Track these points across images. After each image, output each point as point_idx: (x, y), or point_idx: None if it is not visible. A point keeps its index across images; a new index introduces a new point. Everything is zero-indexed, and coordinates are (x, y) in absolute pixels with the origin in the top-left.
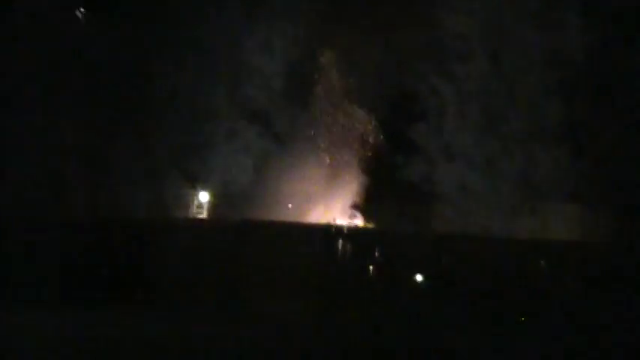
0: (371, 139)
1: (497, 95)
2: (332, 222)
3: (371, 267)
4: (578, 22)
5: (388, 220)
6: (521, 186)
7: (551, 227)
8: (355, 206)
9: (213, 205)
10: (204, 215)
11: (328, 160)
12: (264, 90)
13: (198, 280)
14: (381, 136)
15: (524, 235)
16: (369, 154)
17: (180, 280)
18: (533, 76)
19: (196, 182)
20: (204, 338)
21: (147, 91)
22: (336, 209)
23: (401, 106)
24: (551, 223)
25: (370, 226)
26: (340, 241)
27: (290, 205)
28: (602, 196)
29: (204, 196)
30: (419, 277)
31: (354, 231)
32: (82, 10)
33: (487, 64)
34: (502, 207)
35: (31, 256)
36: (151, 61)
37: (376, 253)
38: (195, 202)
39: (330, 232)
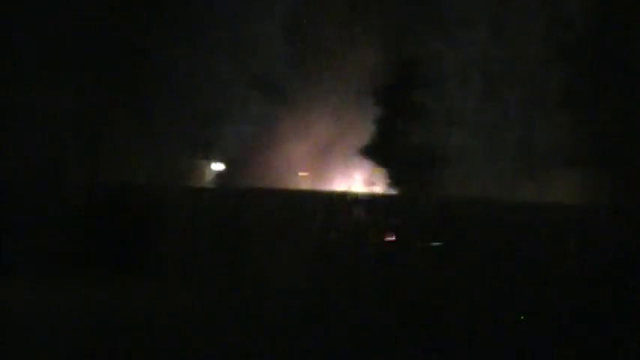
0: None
1: (500, 61)
2: (348, 189)
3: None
4: None
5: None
6: (521, 151)
7: (551, 192)
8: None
9: (226, 175)
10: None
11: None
12: (269, 55)
13: (211, 249)
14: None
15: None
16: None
17: (193, 249)
18: (535, 41)
19: (209, 151)
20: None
21: (153, 63)
22: (349, 175)
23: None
24: (551, 188)
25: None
26: (356, 209)
27: (302, 174)
28: (602, 160)
29: (217, 166)
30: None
31: (371, 198)
32: None
33: (488, 29)
34: (503, 172)
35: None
36: (156, 33)
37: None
38: (208, 172)
39: (344, 199)
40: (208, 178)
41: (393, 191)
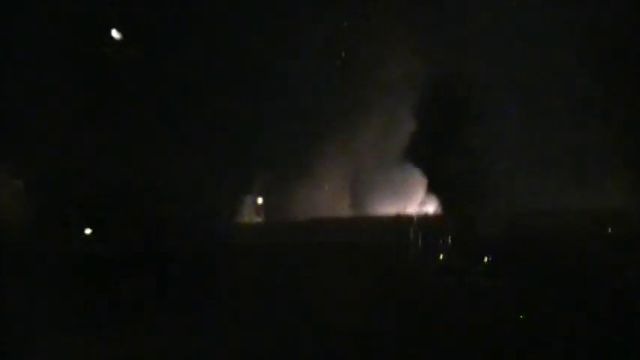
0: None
1: (535, 75)
2: (401, 212)
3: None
4: None
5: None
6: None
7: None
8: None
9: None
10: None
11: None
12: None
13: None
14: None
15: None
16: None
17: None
18: (570, 51)
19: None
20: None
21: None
22: (399, 200)
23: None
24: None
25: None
26: (414, 231)
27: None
28: None
29: (259, 200)
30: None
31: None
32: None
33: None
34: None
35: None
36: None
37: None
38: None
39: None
40: (252, 212)
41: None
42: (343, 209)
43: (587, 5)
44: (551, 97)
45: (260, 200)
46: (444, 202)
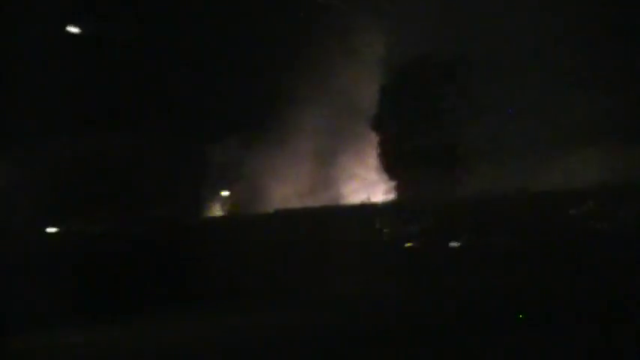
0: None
1: (517, 46)
2: (366, 201)
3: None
4: None
5: (418, 188)
6: (548, 136)
7: (581, 173)
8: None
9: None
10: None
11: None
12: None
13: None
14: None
15: (556, 184)
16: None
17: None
18: (551, 23)
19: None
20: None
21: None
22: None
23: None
24: (580, 169)
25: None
26: (380, 219)
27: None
28: (629, 136)
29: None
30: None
31: (392, 205)
32: None
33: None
34: (535, 157)
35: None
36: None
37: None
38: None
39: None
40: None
41: (412, 195)
42: (303, 198)
43: None
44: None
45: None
46: (411, 183)
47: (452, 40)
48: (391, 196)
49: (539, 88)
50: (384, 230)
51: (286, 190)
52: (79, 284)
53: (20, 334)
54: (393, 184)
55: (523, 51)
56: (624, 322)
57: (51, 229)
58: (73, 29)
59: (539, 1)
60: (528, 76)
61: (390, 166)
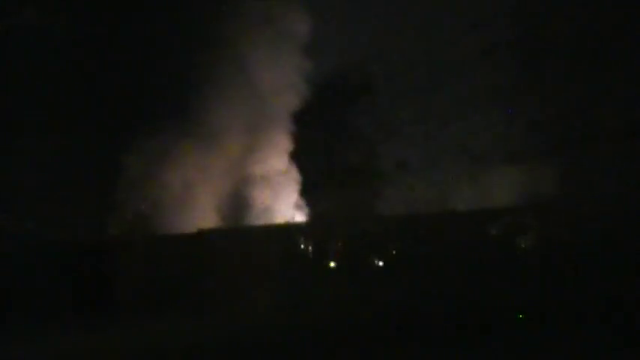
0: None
1: (425, 67)
2: (291, 220)
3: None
4: None
5: (331, 208)
6: (460, 155)
7: (493, 193)
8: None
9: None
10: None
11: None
12: None
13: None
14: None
15: (470, 204)
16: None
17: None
18: (462, 43)
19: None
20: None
21: None
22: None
23: (332, 88)
24: (493, 189)
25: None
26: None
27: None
28: (541, 154)
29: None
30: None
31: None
32: None
33: (411, 36)
34: (444, 179)
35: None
36: None
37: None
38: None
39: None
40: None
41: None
42: (221, 219)
43: None
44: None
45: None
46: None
47: (366, 57)
48: (313, 214)
49: (455, 107)
50: (308, 249)
51: (207, 205)
52: None
53: None
54: (314, 201)
55: (438, 68)
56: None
57: None
58: None
59: (456, 18)
60: (444, 93)
61: (311, 182)
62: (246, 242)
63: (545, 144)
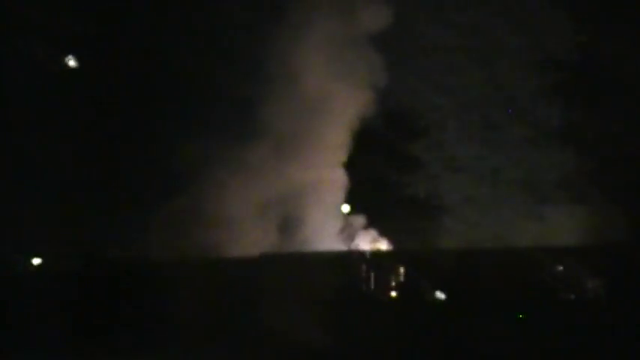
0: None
1: (495, 104)
2: (354, 248)
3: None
4: (568, 22)
5: (395, 239)
6: (526, 192)
7: (560, 231)
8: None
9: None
10: None
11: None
12: None
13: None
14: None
15: (535, 241)
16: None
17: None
18: (530, 81)
19: None
20: None
21: None
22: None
23: (398, 122)
24: (560, 228)
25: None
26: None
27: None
28: (609, 195)
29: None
30: (440, 294)
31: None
32: None
33: (480, 72)
34: (509, 215)
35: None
36: None
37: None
38: None
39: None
40: None
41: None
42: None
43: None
44: (510, 126)
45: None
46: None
47: (427, 92)
48: (374, 244)
49: (524, 143)
50: (370, 278)
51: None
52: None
53: None
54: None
55: (508, 104)
56: None
57: None
58: None
59: (527, 55)
60: (513, 130)
61: (376, 213)
62: (306, 268)
63: (614, 184)
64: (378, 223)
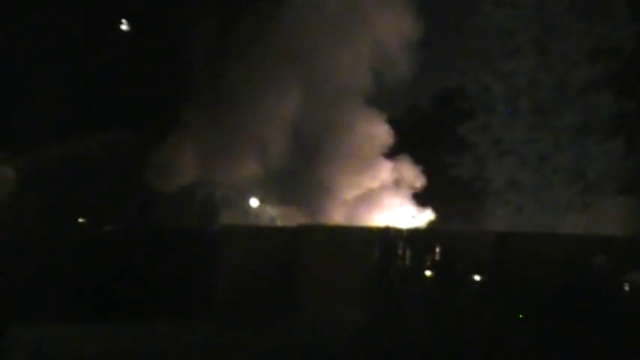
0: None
1: (547, 89)
2: (390, 225)
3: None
4: (626, 11)
5: (440, 220)
6: (573, 180)
7: (604, 221)
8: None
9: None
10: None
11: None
12: None
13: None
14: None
15: (578, 229)
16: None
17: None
18: (583, 69)
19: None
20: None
21: None
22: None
23: (449, 104)
24: (604, 218)
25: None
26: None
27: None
28: None
29: (254, 202)
30: (477, 277)
31: (414, 233)
32: None
33: (535, 58)
34: (554, 202)
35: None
36: None
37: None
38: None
39: (389, 235)
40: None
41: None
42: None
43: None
44: (561, 113)
45: (253, 202)
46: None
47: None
48: (413, 224)
49: (573, 131)
50: (406, 255)
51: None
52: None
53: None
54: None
55: (560, 91)
56: None
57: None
58: None
59: (581, 42)
60: (563, 117)
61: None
62: (344, 241)
63: None
64: (421, 201)
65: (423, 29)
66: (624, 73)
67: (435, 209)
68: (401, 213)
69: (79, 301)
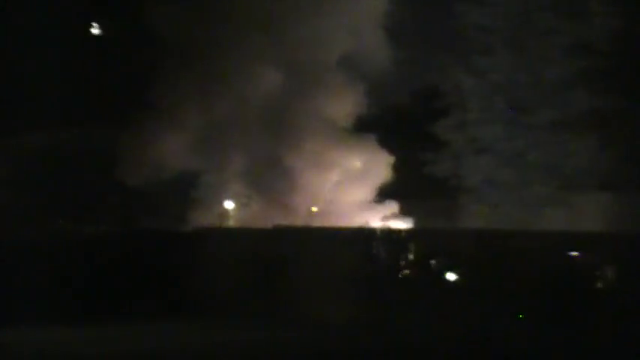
0: None
1: (523, 86)
2: (365, 225)
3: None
4: (601, 8)
5: (418, 219)
6: (550, 177)
7: (583, 217)
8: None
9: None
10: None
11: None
12: None
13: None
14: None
15: (556, 226)
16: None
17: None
18: (558, 66)
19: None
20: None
21: None
22: (365, 210)
23: (424, 101)
24: (582, 213)
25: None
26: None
27: (314, 209)
28: (634, 183)
29: (229, 204)
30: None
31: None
32: None
33: (511, 55)
34: (532, 199)
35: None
36: None
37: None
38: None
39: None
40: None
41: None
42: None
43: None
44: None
45: (228, 204)
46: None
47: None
48: (387, 223)
49: (550, 128)
50: (380, 255)
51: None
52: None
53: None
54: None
55: (535, 88)
56: None
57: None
58: None
59: (557, 39)
60: (539, 114)
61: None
62: (319, 242)
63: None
64: (397, 200)
65: (397, 20)
66: (599, 70)
67: (411, 207)
68: (376, 211)
69: (57, 304)
